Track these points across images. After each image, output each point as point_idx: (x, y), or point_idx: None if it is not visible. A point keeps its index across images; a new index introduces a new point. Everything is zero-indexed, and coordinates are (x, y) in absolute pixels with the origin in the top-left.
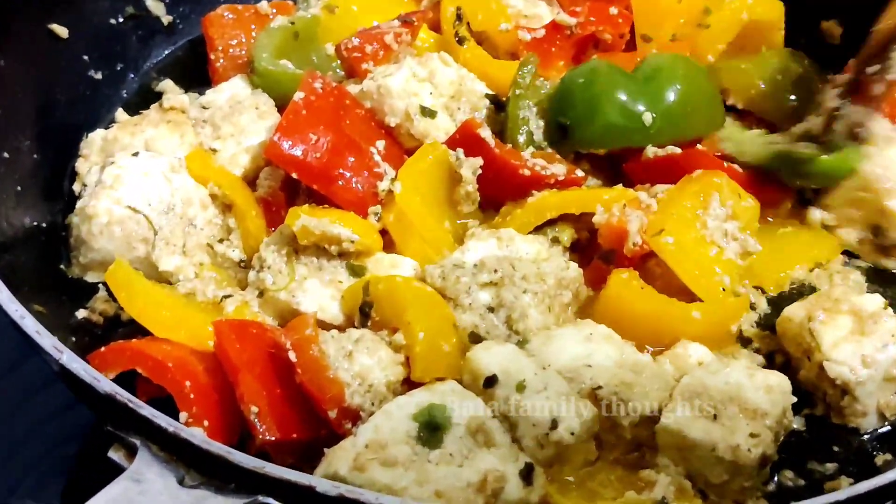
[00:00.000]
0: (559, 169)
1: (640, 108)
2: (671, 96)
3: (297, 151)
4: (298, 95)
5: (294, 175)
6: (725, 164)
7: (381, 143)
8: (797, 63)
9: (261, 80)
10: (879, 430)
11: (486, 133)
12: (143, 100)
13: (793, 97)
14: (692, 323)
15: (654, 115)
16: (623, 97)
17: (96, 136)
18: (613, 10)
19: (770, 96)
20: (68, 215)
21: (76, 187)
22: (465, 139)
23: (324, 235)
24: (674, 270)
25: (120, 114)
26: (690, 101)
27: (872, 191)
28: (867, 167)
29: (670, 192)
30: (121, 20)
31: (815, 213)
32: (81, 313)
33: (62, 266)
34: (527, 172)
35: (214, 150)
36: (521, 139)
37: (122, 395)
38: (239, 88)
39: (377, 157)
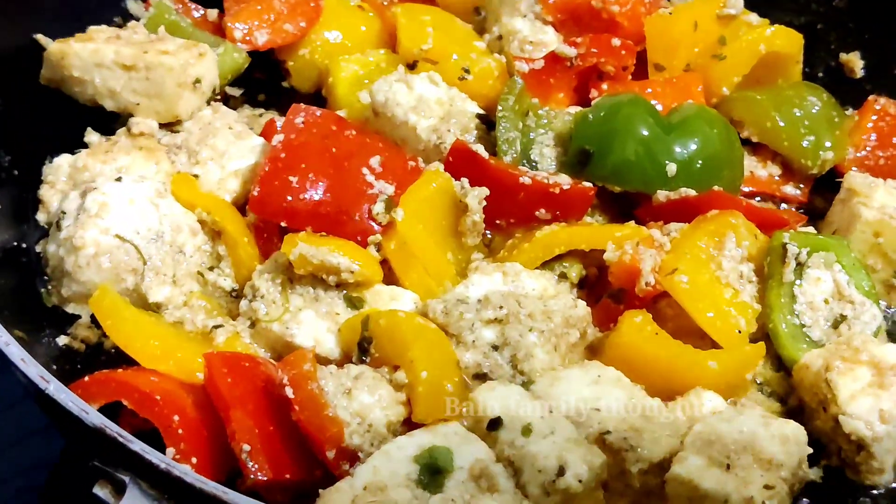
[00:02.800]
0: (564, 179)
1: (663, 154)
2: (698, 151)
3: (283, 202)
4: (277, 139)
5: (284, 224)
6: (744, 202)
7: (375, 160)
8: (815, 97)
9: None
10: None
11: (478, 147)
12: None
13: (810, 133)
14: (708, 372)
15: (677, 165)
16: (645, 134)
17: (63, 162)
18: (616, 42)
19: (786, 130)
20: (40, 241)
21: (41, 216)
22: (458, 158)
23: (322, 265)
24: (688, 312)
25: (89, 133)
26: (715, 159)
27: (887, 232)
28: (870, 213)
29: (684, 231)
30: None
31: None
32: (63, 340)
33: (42, 290)
34: (527, 181)
35: (196, 176)
36: (508, 159)
37: (112, 428)
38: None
39: (370, 178)
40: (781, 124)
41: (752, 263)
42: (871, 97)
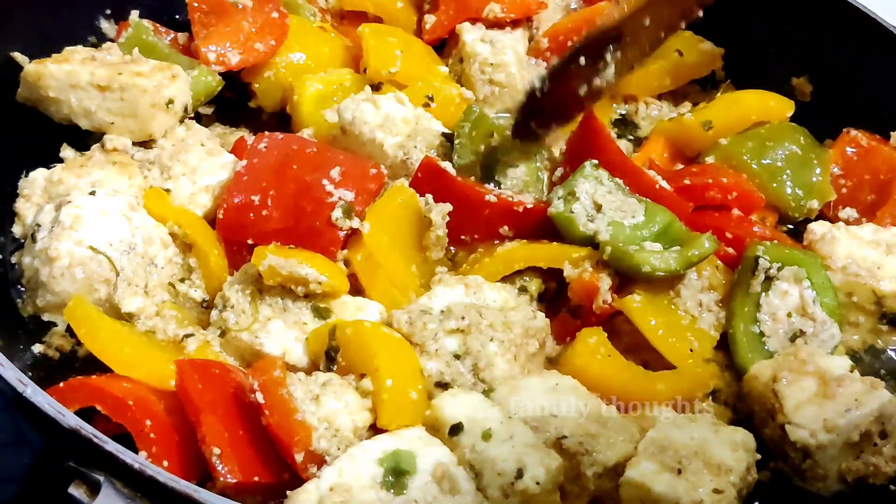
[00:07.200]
0: (527, 198)
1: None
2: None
3: (247, 222)
4: (241, 164)
5: (250, 242)
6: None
7: (335, 171)
8: (794, 143)
9: None
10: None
11: (446, 165)
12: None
13: (795, 185)
14: (658, 393)
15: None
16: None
17: (38, 176)
18: None
19: (773, 190)
20: (15, 253)
21: (17, 229)
22: (427, 174)
23: (290, 276)
24: (641, 331)
25: (65, 149)
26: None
27: (857, 290)
28: (836, 278)
29: None
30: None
31: None
32: (38, 348)
33: (18, 300)
34: (492, 198)
35: (168, 191)
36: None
37: (87, 429)
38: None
39: (330, 187)
40: (772, 185)
41: (715, 293)
42: (844, 130)
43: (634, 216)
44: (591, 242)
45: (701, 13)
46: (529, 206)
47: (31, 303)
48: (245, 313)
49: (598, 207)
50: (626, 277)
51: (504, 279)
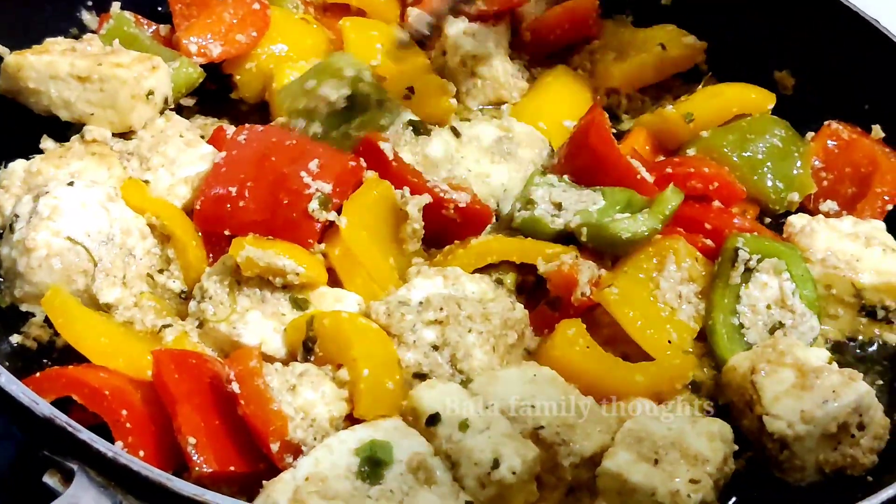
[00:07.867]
0: (463, 196)
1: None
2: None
3: (224, 213)
4: (220, 156)
5: (227, 233)
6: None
7: (314, 163)
8: (776, 136)
9: None
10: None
11: (386, 146)
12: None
13: (776, 178)
14: (637, 385)
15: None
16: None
17: (17, 167)
18: None
19: (754, 183)
20: None
21: None
22: (366, 152)
23: (268, 267)
24: (620, 322)
25: (45, 140)
26: None
27: (836, 283)
28: (815, 270)
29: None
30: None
31: None
32: (16, 339)
33: None
34: (427, 198)
35: (147, 182)
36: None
37: (61, 418)
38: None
39: (307, 179)
40: (753, 177)
41: (695, 284)
42: (826, 122)
43: (595, 203)
44: (563, 238)
45: None
46: (462, 205)
47: (8, 293)
48: (223, 304)
49: (559, 206)
50: (615, 259)
51: (479, 271)
